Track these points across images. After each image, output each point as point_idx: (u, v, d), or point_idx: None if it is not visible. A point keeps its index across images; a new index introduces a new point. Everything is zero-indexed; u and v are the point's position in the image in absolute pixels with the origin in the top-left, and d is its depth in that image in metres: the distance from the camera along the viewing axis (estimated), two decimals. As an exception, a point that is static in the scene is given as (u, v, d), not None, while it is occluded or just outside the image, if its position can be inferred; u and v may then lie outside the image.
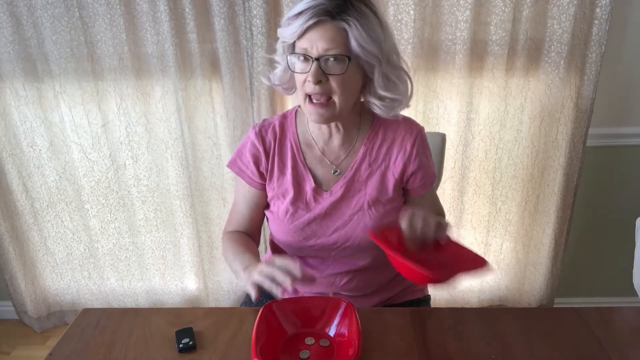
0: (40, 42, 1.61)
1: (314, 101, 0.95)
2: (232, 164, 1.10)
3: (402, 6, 1.53)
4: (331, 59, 0.90)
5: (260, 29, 1.54)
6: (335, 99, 0.94)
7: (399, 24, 1.54)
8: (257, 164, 1.07)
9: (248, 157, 1.07)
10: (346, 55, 0.91)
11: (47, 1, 1.55)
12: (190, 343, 0.89)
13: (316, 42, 0.90)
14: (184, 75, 1.63)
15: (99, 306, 2.02)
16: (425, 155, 1.08)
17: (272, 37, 1.57)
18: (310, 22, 0.89)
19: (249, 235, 1.12)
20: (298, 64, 0.94)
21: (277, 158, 1.06)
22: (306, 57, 0.92)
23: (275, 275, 0.82)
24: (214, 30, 1.58)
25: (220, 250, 1.92)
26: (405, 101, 1.02)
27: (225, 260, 1.08)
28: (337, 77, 0.92)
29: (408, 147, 1.04)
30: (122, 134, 1.73)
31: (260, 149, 1.06)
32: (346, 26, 0.89)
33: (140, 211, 1.86)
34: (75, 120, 1.72)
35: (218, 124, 1.72)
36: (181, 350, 0.88)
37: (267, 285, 0.82)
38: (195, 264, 1.93)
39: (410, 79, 1.01)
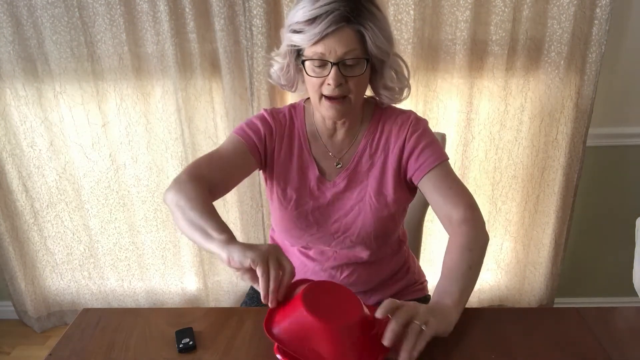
0: (40, 42, 1.61)
1: (332, 99, 0.96)
2: (238, 129, 1.07)
3: (402, 6, 1.53)
4: (349, 62, 0.92)
5: (260, 29, 1.54)
6: (351, 96, 0.97)
7: (399, 24, 1.54)
8: (266, 135, 1.06)
9: (259, 125, 1.06)
10: (365, 58, 0.93)
11: (47, 1, 1.55)
12: (190, 343, 0.89)
13: (334, 47, 0.90)
14: (184, 75, 1.63)
15: (99, 306, 2.02)
16: (423, 136, 1.04)
17: (272, 37, 1.57)
18: (330, 29, 0.89)
19: (212, 192, 0.98)
20: (314, 69, 0.94)
21: (285, 142, 1.08)
22: (322, 62, 0.93)
23: (271, 277, 0.77)
24: (214, 30, 1.58)
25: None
26: (409, 85, 1.05)
27: (176, 203, 0.91)
28: (355, 78, 0.94)
29: (403, 134, 1.05)
30: (122, 134, 1.73)
31: (273, 126, 1.07)
32: (363, 30, 0.91)
33: (140, 211, 1.86)
34: (75, 120, 1.72)
35: (218, 124, 1.72)
36: (181, 350, 0.88)
37: (259, 284, 0.77)
38: (195, 264, 1.93)
39: (402, 60, 1.03)
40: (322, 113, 1.01)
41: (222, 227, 0.85)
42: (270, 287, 0.77)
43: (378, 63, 0.98)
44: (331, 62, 0.91)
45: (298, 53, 0.98)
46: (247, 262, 0.77)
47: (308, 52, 0.93)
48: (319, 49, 0.91)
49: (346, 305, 0.79)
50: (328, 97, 0.96)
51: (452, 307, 0.83)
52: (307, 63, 0.95)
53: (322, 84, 0.95)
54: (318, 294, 0.79)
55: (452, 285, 0.88)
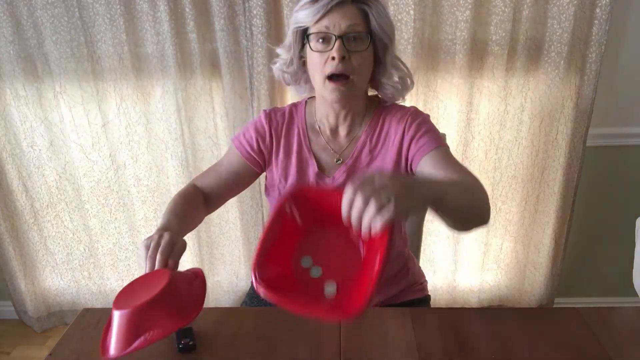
0: (40, 42, 1.61)
1: (335, 79, 0.97)
2: (235, 139, 1.12)
3: (402, 6, 1.53)
4: (353, 36, 0.94)
5: (260, 29, 1.54)
6: (354, 78, 0.97)
7: (399, 24, 1.54)
8: (259, 141, 1.09)
9: (252, 133, 1.10)
10: (368, 33, 0.96)
11: (47, 1, 1.55)
12: (191, 343, 0.89)
13: (338, 22, 0.93)
14: (184, 75, 1.63)
15: (99, 306, 2.02)
16: (422, 124, 1.03)
17: (272, 37, 1.57)
18: (334, 2, 0.92)
19: (208, 198, 1.09)
20: (317, 45, 0.96)
21: (283, 140, 1.09)
22: (326, 38, 0.95)
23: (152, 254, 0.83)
24: (214, 30, 1.58)
25: (220, 250, 1.92)
26: (411, 79, 1.06)
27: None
28: (359, 54, 0.96)
29: (402, 125, 1.05)
30: (122, 134, 1.73)
31: (266, 128, 1.09)
32: (366, 7, 0.95)
33: (140, 211, 1.86)
34: (75, 120, 1.72)
35: (218, 124, 1.72)
36: (181, 350, 0.88)
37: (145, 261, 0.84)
38: (195, 264, 1.93)
39: (401, 61, 1.06)
40: (326, 97, 1.01)
41: (162, 225, 0.92)
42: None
43: (381, 48, 0.99)
44: (335, 35, 0.93)
45: (303, 44, 0.99)
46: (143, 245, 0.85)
47: (313, 30, 0.96)
48: (324, 22, 0.94)
49: (148, 290, 0.78)
50: (332, 79, 0.96)
51: (427, 185, 0.76)
52: (311, 39, 0.96)
53: (326, 61, 0.96)
54: (141, 283, 0.81)
55: (441, 182, 0.85)
